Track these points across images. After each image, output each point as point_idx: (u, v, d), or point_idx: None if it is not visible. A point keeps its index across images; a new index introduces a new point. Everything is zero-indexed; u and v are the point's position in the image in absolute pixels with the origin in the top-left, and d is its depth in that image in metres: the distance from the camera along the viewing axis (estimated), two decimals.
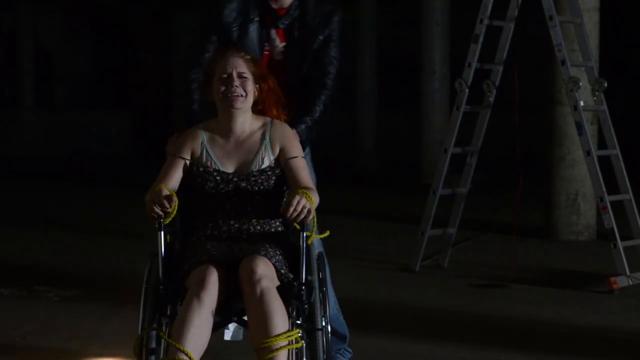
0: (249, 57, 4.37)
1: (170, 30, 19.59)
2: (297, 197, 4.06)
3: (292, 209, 4.04)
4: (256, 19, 4.70)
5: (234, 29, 4.67)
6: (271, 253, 4.11)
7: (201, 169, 4.30)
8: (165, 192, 4.10)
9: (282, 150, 4.33)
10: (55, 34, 19.71)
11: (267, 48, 4.74)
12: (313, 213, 4.10)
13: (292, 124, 4.54)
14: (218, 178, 4.29)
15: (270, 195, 4.30)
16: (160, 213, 4.08)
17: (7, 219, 10.63)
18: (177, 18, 19.49)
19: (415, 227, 8.11)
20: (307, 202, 4.07)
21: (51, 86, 19.70)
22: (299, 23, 4.75)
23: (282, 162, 4.32)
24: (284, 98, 4.52)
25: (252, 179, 4.28)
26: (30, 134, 18.69)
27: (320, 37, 4.75)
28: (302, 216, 4.06)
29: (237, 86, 4.28)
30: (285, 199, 4.23)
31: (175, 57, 19.45)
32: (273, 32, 4.75)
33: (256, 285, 3.97)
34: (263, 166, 4.30)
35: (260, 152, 4.32)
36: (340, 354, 5.04)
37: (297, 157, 4.33)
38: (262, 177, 4.29)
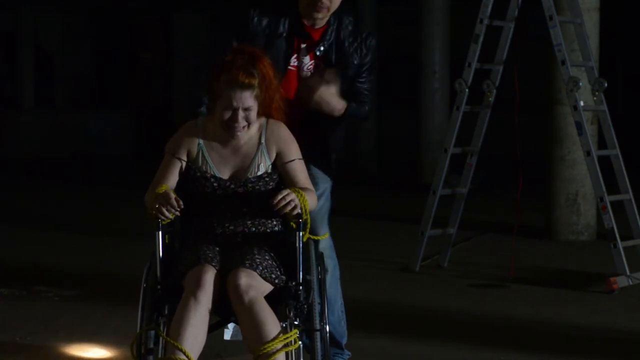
0: (255, 81, 4.19)
1: (170, 30, 19.59)
2: (287, 191, 4.12)
3: (280, 197, 4.08)
4: (284, 34, 4.63)
5: (260, 39, 4.56)
6: (258, 261, 4.11)
7: (198, 174, 4.28)
8: (173, 194, 4.09)
9: (278, 154, 4.31)
10: (55, 34, 19.69)
11: (293, 65, 4.68)
12: (299, 209, 4.11)
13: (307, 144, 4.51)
14: (215, 184, 4.27)
15: (267, 196, 4.29)
16: (169, 215, 4.08)
17: (7, 219, 10.63)
18: (177, 18, 19.49)
19: (415, 227, 8.11)
20: (296, 197, 4.11)
21: (51, 86, 19.69)
22: (335, 49, 4.69)
23: (279, 166, 4.31)
24: (303, 116, 4.53)
25: (250, 185, 4.27)
26: (30, 134, 18.67)
27: (356, 63, 4.72)
28: (289, 208, 4.08)
29: (240, 121, 4.22)
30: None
31: (175, 57, 19.46)
32: (303, 50, 4.68)
33: (243, 298, 4.00)
34: (259, 173, 4.28)
35: (257, 157, 4.29)
36: (339, 356, 5.02)
37: (294, 160, 4.32)
38: (260, 183, 4.28)
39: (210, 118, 4.36)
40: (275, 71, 4.32)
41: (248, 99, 4.19)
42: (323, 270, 4.38)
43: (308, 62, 4.69)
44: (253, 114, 4.24)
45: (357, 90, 4.76)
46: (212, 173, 4.28)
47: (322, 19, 4.65)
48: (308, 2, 4.61)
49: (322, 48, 4.67)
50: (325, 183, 4.86)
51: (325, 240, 4.83)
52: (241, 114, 4.21)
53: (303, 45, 4.67)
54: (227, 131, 4.25)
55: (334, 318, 4.93)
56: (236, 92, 4.18)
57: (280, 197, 4.09)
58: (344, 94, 4.67)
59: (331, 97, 4.60)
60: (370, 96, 4.82)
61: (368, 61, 4.77)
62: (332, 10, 4.64)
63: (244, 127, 4.24)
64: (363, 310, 6.27)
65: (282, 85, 4.53)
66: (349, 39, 4.71)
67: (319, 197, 4.78)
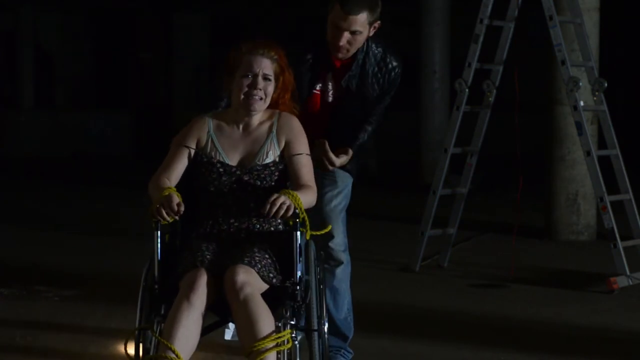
0: (275, 56, 4.34)
1: (170, 30, 19.58)
2: (275, 195, 4.10)
3: (268, 207, 4.07)
4: (310, 61, 4.69)
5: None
6: (257, 259, 4.11)
7: (205, 159, 4.31)
8: (176, 198, 4.10)
9: (287, 144, 4.34)
10: (55, 34, 19.69)
11: (318, 89, 4.74)
12: (294, 209, 4.10)
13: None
14: (221, 170, 4.30)
15: (273, 192, 4.30)
16: (167, 219, 4.09)
17: (7, 219, 10.63)
18: (177, 18, 19.48)
19: (415, 227, 8.11)
20: (287, 199, 4.09)
21: (51, 86, 19.69)
22: (358, 79, 4.75)
23: (287, 157, 4.33)
24: (318, 129, 4.61)
25: (255, 173, 4.29)
26: (30, 134, 18.67)
27: (377, 91, 4.79)
28: (281, 212, 4.07)
29: (260, 89, 4.29)
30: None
31: (175, 57, 19.45)
32: (328, 78, 4.74)
33: (239, 294, 4.00)
34: (267, 160, 4.31)
35: (266, 145, 4.32)
36: (341, 355, 5.05)
37: (301, 154, 4.34)
38: (266, 171, 4.30)
39: (222, 110, 4.40)
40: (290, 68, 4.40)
41: (268, 67, 4.29)
42: (323, 270, 4.38)
43: (331, 89, 4.76)
44: (270, 88, 4.31)
45: (370, 108, 4.83)
46: (218, 159, 4.30)
47: (344, 56, 4.69)
48: (330, 41, 4.68)
49: (346, 78, 4.74)
50: (346, 180, 4.95)
51: (340, 236, 4.87)
52: (260, 81, 4.27)
53: (328, 74, 4.74)
54: (244, 103, 4.29)
55: (341, 313, 4.97)
56: (257, 57, 4.29)
57: (268, 206, 4.08)
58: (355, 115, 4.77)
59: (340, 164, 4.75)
60: (379, 118, 4.89)
61: (390, 89, 4.86)
62: (354, 49, 4.69)
63: (261, 98, 4.29)
64: (363, 310, 6.27)
65: (307, 104, 4.66)
66: (373, 68, 4.79)
67: (337, 195, 4.85)
